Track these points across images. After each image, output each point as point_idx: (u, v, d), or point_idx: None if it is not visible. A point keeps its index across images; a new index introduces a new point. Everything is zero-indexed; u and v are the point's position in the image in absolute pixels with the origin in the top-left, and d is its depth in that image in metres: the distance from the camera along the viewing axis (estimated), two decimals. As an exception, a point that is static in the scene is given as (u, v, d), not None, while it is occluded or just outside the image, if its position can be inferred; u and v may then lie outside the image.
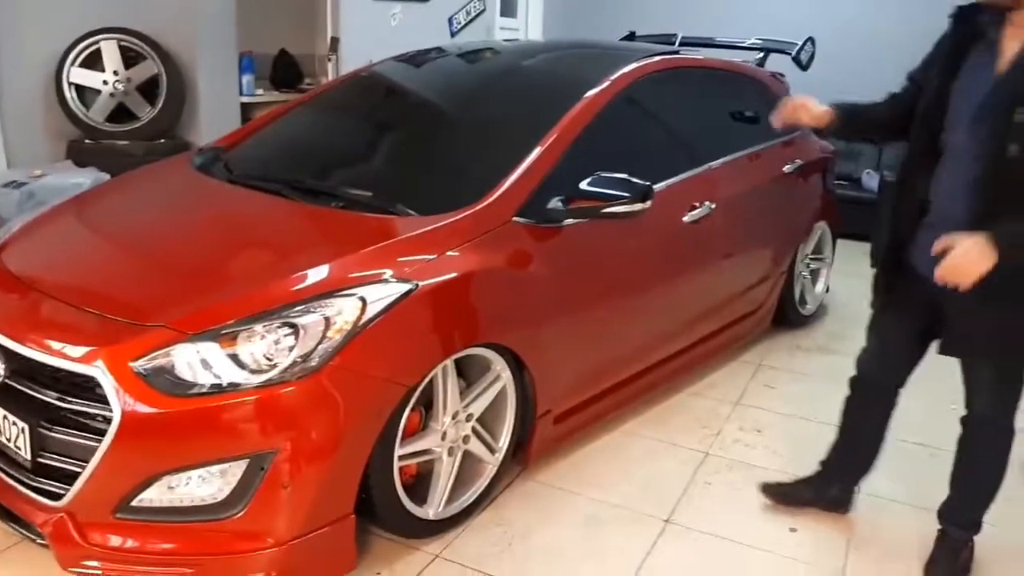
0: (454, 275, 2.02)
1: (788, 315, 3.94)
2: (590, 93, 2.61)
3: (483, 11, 6.12)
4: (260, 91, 4.88)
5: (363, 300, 1.83)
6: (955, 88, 1.90)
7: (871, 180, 6.04)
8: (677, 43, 4.30)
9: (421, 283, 1.93)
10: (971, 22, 1.90)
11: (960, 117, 1.87)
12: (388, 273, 1.92)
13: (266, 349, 1.74)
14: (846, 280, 4.46)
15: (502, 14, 6.59)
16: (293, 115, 3.06)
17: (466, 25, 5.93)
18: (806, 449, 2.61)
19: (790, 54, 4.09)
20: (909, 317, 2.11)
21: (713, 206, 2.93)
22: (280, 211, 2.31)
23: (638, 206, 2.26)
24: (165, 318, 1.79)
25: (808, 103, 2.10)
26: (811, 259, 4.06)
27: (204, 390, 1.70)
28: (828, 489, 2.38)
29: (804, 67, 4.14)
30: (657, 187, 2.70)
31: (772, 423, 3.01)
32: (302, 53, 5.38)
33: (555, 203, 2.29)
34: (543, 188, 2.30)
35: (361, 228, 2.16)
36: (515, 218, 2.22)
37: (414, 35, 5.17)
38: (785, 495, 2.42)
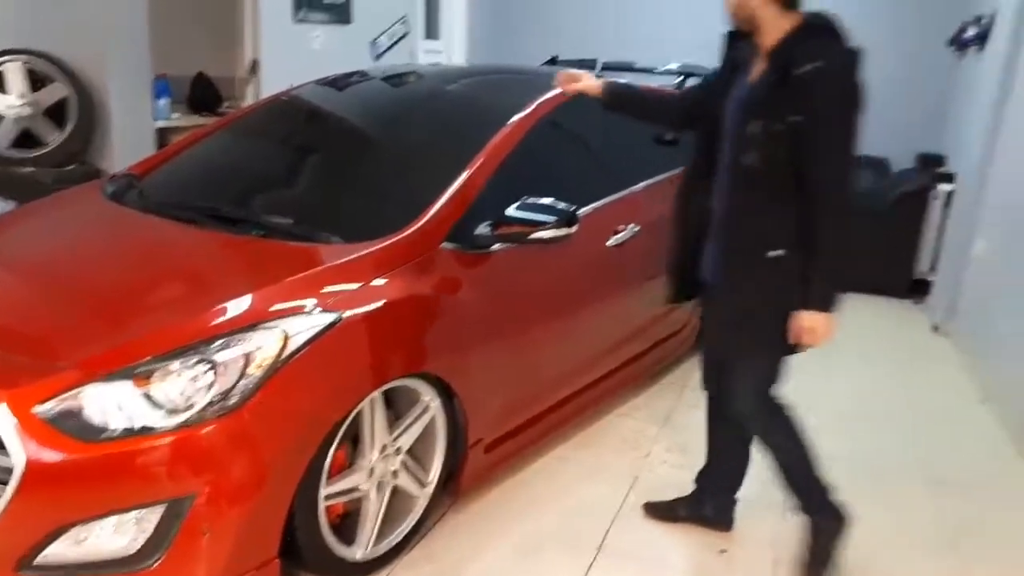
0: (380, 304, 1.98)
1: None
2: (515, 118, 2.61)
3: (406, 34, 6.09)
4: (176, 115, 4.71)
5: (285, 333, 1.78)
6: (724, 105, 2.06)
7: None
8: (599, 68, 4.38)
9: (346, 313, 1.89)
10: (735, 45, 2.09)
11: (724, 132, 2.05)
12: (311, 304, 1.87)
13: (183, 388, 1.67)
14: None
15: (426, 37, 6.58)
16: (211, 140, 2.97)
17: (389, 48, 5.89)
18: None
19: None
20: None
21: (637, 228, 2.98)
22: (197, 241, 2.23)
23: (564, 231, 2.28)
24: (74, 357, 1.70)
25: (583, 76, 2.38)
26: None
27: (116, 434, 1.61)
28: (702, 507, 2.43)
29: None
30: (583, 211, 2.73)
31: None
32: (221, 75, 5.24)
33: (483, 229, 2.28)
34: (470, 214, 2.29)
35: (283, 257, 2.10)
36: (443, 244, 2.20)
37: (336, 58, 5.11)
38: (663, 513, 2.48)
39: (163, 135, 4.50)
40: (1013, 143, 3.98)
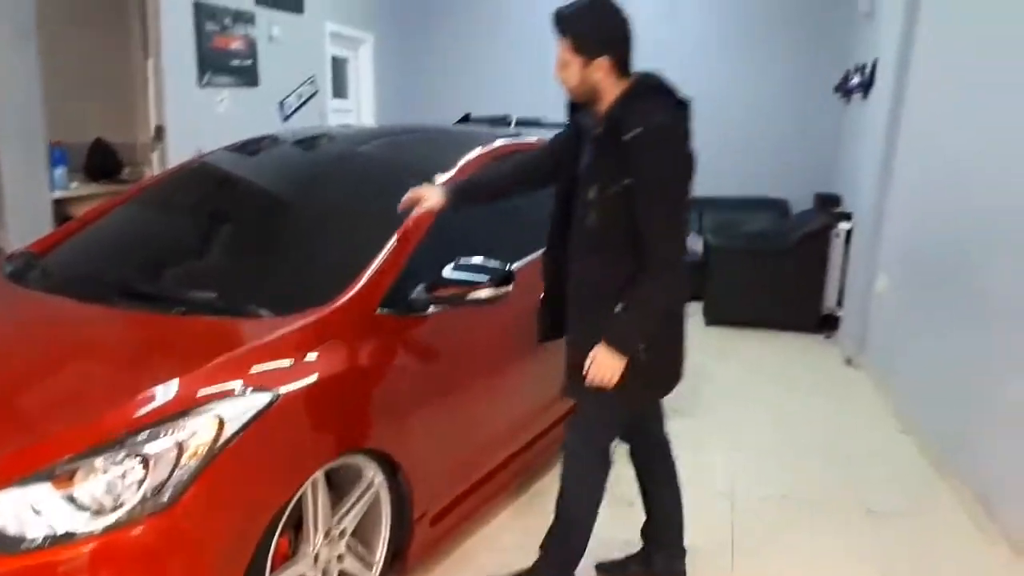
0: (317, 379, 1.89)
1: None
2: (441, 177, 2.58)
3: (315, 93, 6.04)
4: (75, 184, 4.50)
5: (220, 418, 1.66)
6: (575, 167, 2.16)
7: (695, 243, 6.46)
8: (512, 124, 4.43)
9: (282, 391, 1.79)
10: (577, 111, 2.17)
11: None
12: (244, 385, 1.76)
13: (110, 486, 1.53)
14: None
15: (334, 96, 6.54)
16: (119, 212, 2.82)
17: (298, 108, 5.82)
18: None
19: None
20: None
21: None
22: (113, 322, 2.09)
23: (502, 290, 2.25)
24: (-19, 462, 1.53)
25: (424, 193, 2.22)
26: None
27: (36, 543, 1.46)
28: (651, 561, 2.43)
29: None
30: (516, 265, 2.72)
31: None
32: (121, 141, 5.04)
33: (418, 292, 2.23)
34: (404, 277, 2.23)
35: (209, 335, 1.99)
36: (378, 311, 2.14)
37: (244, 121, 5.01)
38: (615, 572, 2.48)
39: (60, 206, 4.28)
40: (903, 183, 4.24)
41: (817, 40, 6.87)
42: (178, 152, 4.33)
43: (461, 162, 2.70)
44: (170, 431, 1.61)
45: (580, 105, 2.12)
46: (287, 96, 5.66)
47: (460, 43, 7.72)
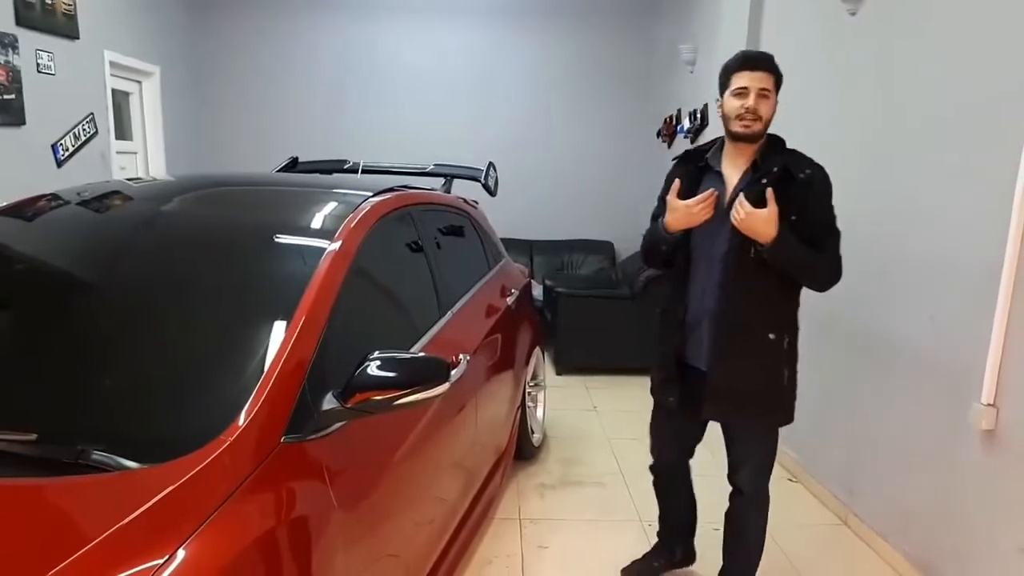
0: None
1: (523, 450, 3.68)
2: (330, 249, 1.98)
3: (95, 134, 5.07)
4: None
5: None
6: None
7: (535, 290, 6.23)
8: (360, 171, 3.91)
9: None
10: (690, 160, 2.37)
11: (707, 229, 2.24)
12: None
13: None
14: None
15: (117, 137, 5.56)
16: None
17: (75, 152, 4.82)
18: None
19: (479, 180, 3.92)
20: (691, 404, 2.34)
21: (468, 357, 2.52)
22: None
23: (440, 388, 1.75)
24: None
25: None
26: (531, 386, 3.88)
27: None
28: (673, 554, 2.73)
29: (493, 193, 4.01)
30: (419, 345, 2.25)
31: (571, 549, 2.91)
32: None
33: (330, 402, 1.67)
34: (309, 388, 1.66)
35: (29, 510, 1.30)
36: (283, 439, 1.55)
37: (8, 167, 4.02)
38: (641, 571, 2.71)
39: None
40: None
41: (640, 88, 7.04)
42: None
43: (351, 223, 2.14)
44: None
45: (690, 157, 2.37)
46: (62, 137, 4.67)
47: (261, 79, 7.01)
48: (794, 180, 2.14)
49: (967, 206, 2.54)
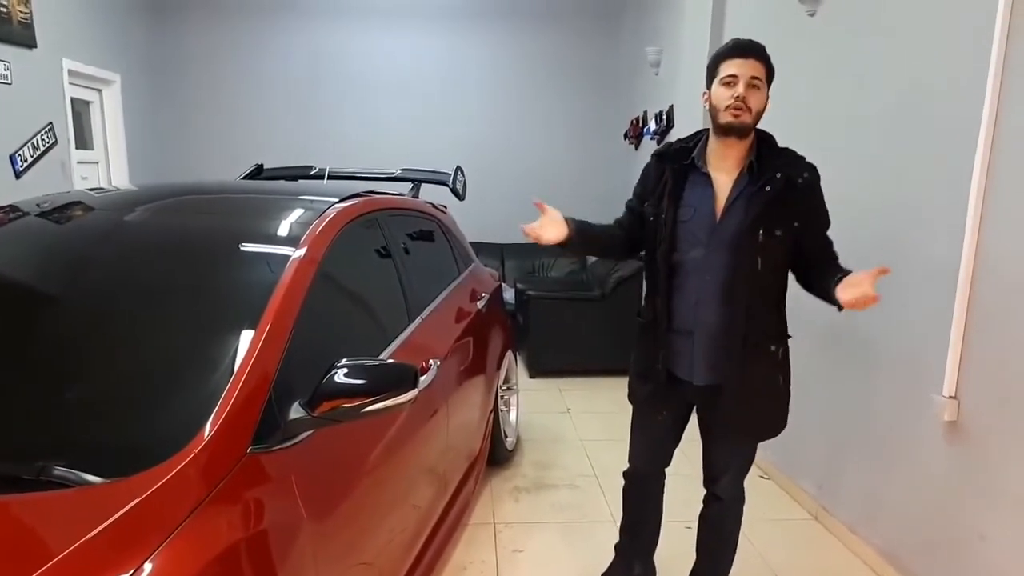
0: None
1: (496, 454, 3.68)
2: (295, 256, 1.97)
3: (54, 144, 4.98)
4: None
5: None
6: (680, 215, 2.15)
7: (507, 293, 6.24)
8: (326, 177, 3.88)
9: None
10: (670, 158, 2.21)
11: (696, 239, 2.14)
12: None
13: None
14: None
15: (77, 146, 5.47)
16: None
17: (34, 162, 4.73)
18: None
19: (447, 184, 3.91)
20: (672, 413, 2.33)
21: (438, 363, 2.52)
22: None
23: (408, 395, 1.74)
24: None
25: (548, 225, 2.29)
26: (503, 390, 3.88)
27: None
28: (631, 570, 2.58)
29: (461, 197, 4.01)
30: (387, 351, 2.24)
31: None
32: None
33: (297, 411, 1.66)
34: (275, 397, 1.64)
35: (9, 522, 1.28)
36: (250, 450, 1.54)
37: (-35, 179, 3.94)
38: None
39: None
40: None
41: (607, 90, 7.08)
42: None
43: (315, 229, 2.13)
44: None
45: (672, 154, 2.20)
46: (20, 148, 4.58)
47: (226, 85, 6.93)
48: (794, 186, 2.06)
49: (925, 203, 2.59)
